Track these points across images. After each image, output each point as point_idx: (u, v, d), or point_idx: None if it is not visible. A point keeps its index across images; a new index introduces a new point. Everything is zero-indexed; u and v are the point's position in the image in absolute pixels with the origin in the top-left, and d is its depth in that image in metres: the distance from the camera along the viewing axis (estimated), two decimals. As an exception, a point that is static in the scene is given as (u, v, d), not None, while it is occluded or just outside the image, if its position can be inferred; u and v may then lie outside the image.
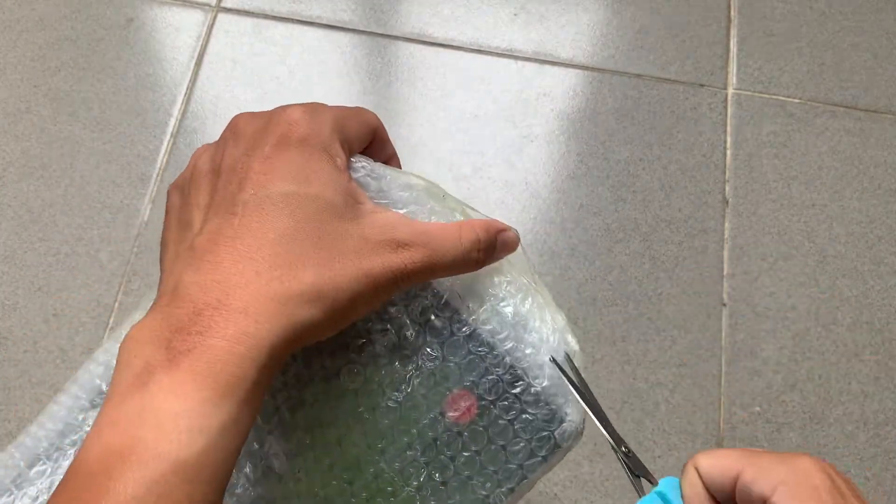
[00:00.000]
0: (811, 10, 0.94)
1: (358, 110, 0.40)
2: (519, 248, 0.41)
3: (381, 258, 0.35)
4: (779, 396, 0.76)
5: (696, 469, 0.38)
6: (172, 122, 0.85)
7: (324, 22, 0.91)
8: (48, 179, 0.82)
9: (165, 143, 0.84)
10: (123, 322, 0.38)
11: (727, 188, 0.84)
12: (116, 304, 0.77)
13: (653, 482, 0.39)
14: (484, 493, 0.38)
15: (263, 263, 0.32)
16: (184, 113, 0.86)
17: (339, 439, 0.38)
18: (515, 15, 0.93)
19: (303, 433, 0.38)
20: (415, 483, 0.38)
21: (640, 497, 0.38)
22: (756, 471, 0.36)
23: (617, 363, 0.78)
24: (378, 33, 0.91)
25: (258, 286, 0.32)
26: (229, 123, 0.37)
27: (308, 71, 0.88)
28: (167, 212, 0.37)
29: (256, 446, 0.38)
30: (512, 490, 0.39)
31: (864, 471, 0.73)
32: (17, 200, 0.81)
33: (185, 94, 0.86)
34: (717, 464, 0.38)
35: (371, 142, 0.41)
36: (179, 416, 0.29)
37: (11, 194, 0.81)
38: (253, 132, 0.36)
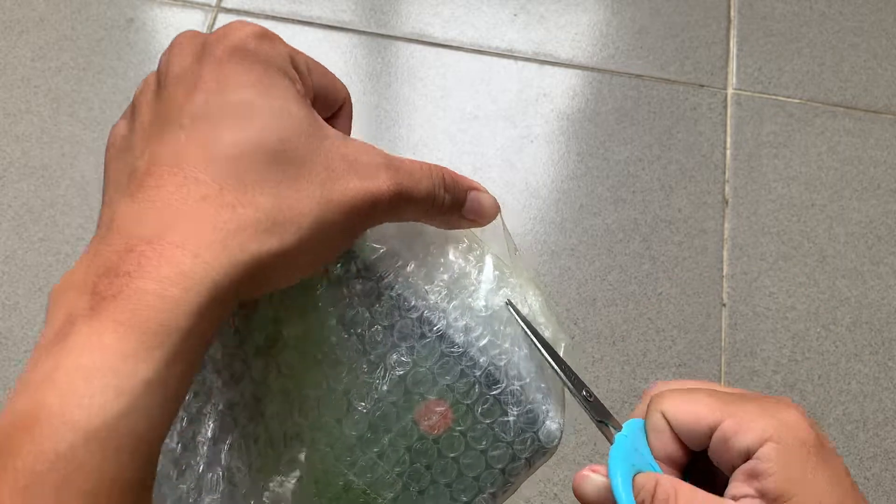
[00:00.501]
0: (811, 10, 0.94)
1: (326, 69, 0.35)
2: (498, 219, 0.37)
3: (354, 182, 0.30)
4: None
5: (663, 414, 0.36)
6: (173, 122, 0.85)
7: (324, 22, 0.91)
8: (48, 179, 0.82)
9: (166, 144, 0.84)
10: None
11: (727, 188, 0.84)
12: (117, 304, 0.77)
13: (616, 427, 0.37)
14: (465, 499, 0.36)
15: (213, 186, 0.27)
16: (184, 113, 0.86)
17: (304, 452, 0.36)
18: (515, 15, 0.93)
19: (265, 446, 0.35)
20: (390, 495, 0.36)
21: (609, 441, 0.36)
22: (737, 423, 0.33)
23: (617, 363, 0.78)
24: (378, 33, 0.91)
25: (204, 214, 0.27)
26: (171, 42, 0.31)
27: (308, 71, 0.88)
28: (108, 146, 0.31)
29: (219, 460, 0.35)
30: (494, 495, 0.36)
31: (864, 471, 0.73)
32: (17, 200, 0.81)
33: (186, 94, 0.87)
34: (689, 410, 0.35)
35: (339, 111, 0.35)
36: (94, 375, 0.24)
37: (12, 194, 0.81)
38: (202, 42, 0.30)
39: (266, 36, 0.31)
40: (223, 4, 0.91)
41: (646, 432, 0.37)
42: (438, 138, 0.87)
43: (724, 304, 0.79)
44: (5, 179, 0.82)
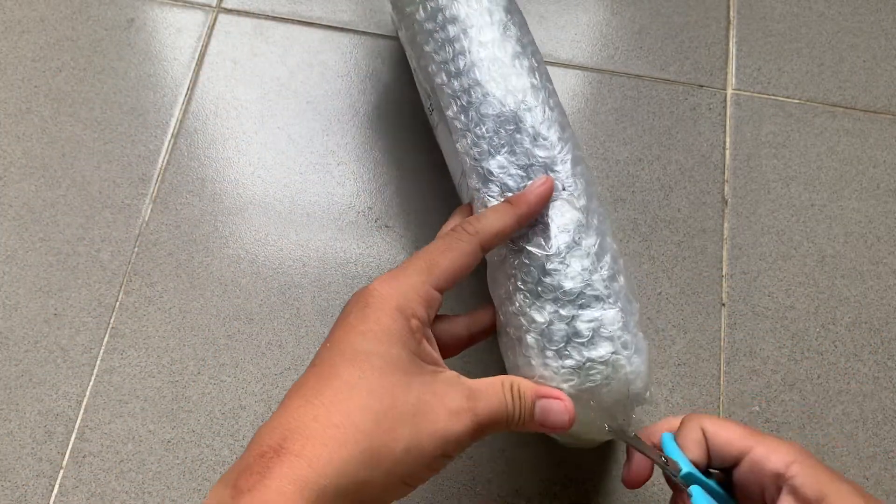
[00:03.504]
0: (810, 10, 0.94)
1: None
2: None
3: (440, 426, 0.39)
4: (778, 396, 0.76)
5: (703, 429, 0.44)
6: (173, 122, 0.85)
7: (324, 22, 0.91)
8: (49, 179, 0.82)
9: (166, 143, 0.84)
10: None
11: (726, 188, 0.84)
12: (117, 304, 0.77)
13: (676, 472, 0.44)
14: None
15: (321, 408, 0.37)
16: (185, 113, 0.86)
17: None
18: (515, 15, 0.93)
19: None
20: None
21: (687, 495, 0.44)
22: (766, 449, 0.41)
23: (616, 363, 0.78)
24: (378, 33, 0.91)
25: (315, 430, 0.36)
26: None
27: (308, 71, 0.88)
28: None
29: None
30: None
31: (864, 471, 0.73)
32: (18, 200, 0.81)
33: (186, 94, 0.87)
34: (724, 433, 0.43)
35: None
36: None
37: (13, 194, 0.81)
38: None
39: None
40: (223, 5, 0.91)
41: (676, 442, 0.45)
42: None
43: (723, 304, 0.79)
44: (6, 179, 0.82)
